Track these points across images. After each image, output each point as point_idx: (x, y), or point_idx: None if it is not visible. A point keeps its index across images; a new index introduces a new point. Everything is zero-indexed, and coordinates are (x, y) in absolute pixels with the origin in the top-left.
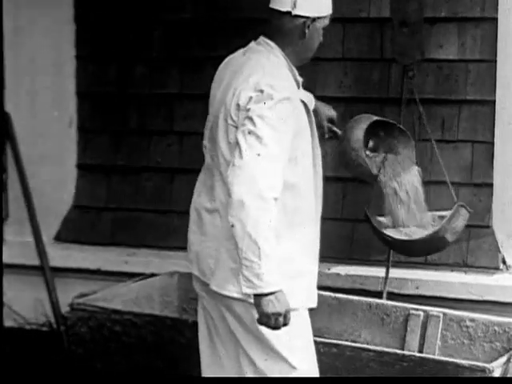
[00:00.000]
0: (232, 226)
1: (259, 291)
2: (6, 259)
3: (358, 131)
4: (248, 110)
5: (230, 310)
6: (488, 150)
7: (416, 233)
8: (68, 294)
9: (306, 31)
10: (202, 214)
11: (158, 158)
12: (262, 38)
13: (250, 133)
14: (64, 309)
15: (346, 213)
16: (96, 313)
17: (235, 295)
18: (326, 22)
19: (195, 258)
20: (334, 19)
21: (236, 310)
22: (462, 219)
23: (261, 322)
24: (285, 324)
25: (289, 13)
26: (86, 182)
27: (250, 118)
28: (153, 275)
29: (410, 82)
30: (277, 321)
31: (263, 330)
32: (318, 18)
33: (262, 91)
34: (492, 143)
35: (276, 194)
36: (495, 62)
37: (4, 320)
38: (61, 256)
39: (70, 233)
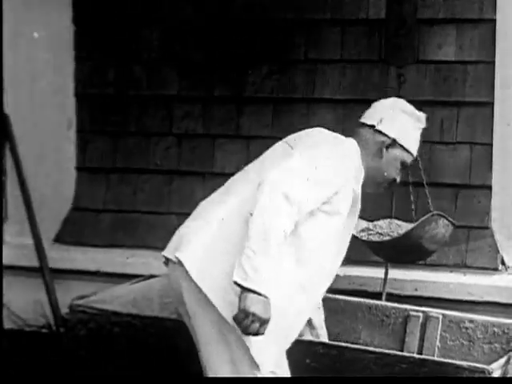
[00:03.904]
0: (251, 214)
1: (250, 286)
2: (5, 261)
3: None
4: (316, 142)
5: (190, 297)
6: (487, 152)
7: (390, 235)
8: (67, 295)
9: (384, 151)
10: (200, 207)
11: (157, 161)
12: (349, 138)
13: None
14: (64, 310)
15: None
16: (95, 315)
17: (191, 272)
18: (405, 158)
19: (175, 242)
20: (333, 20)
21: (199, 296)
22: (443, 229)
23: (236, 318)
24: (256, 333)
25: (373, 126)
26: (86, 184)
27: (315, 148)
28: (152, 276)
29: (402, 86)
30: (253, 323)
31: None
32: (398, 144)
33: (336, 138)
34: (490, 144)
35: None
36: (494, 63)
37: (3, 322)
38: (60, 257)
39: (69, 234)
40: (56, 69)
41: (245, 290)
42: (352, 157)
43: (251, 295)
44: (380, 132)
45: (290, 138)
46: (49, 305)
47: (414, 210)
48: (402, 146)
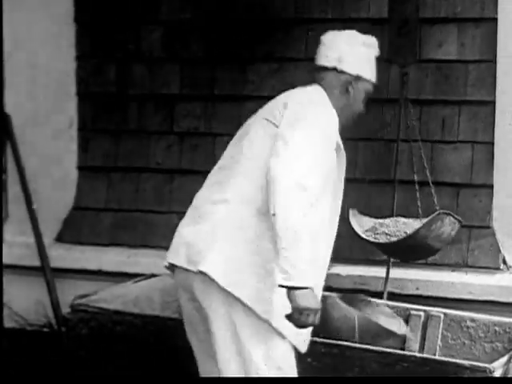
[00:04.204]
0: (273, 214)
1: (294, 283)
2: (6, 260)
3: None
4: (298, 111)
5: (216, 311)
6: (488, 151)
7: (397, 235)
8: (69, 294)
9: (349, 88)
10: (200, 208)
11: (158, 160)
12: (313, 86)
13: (297, 128)
14: (65, 310)
15: (346, 212)
16: (97, 314)
17: (221, 283)
18: (369, 87)
19: (183, 249)
20: (334, 19)
21: (230, 313)
22: (449, 227)
23: (290, 317)
24: (312, 324)
25: (334, 69)
26: (87, 183)
27: (302, 119)
28: (153, 276)
29: (405, 86)
30: (308, 317)
31: (247, 347)
32: (362, 78)
33: (313, 101)
34: (492, 143)
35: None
36: (495, 62)
37: (5, 321)
38: (61, 257)
39: (70, 233)
40: (57, 67)
41: (292, 289)
42: (329, 113)
43: (299, 292)
44: (342, 71)
45: (267, 112)
46: (50, 304)
47: (420, 207)
48: (365, 79)
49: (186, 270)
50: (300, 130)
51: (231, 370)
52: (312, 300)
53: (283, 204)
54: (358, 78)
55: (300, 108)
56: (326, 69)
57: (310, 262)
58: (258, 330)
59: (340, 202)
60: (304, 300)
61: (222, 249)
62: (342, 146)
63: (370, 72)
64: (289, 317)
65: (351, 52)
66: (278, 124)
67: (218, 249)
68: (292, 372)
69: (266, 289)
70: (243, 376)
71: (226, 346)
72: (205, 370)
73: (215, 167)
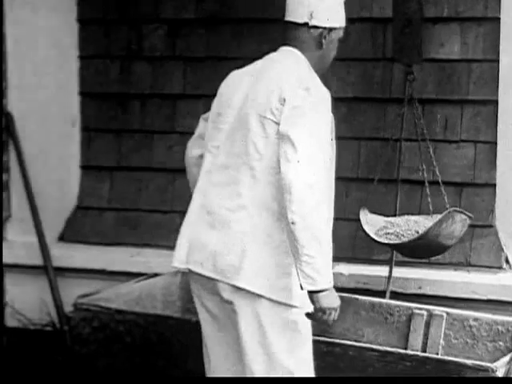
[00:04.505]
0: (292, 222)
1: (319, 287)
2: (9, 259)
3: None
4: (297, 106)
5: (244, 309)
6: (491, 150)
7: (408, 235)
8: (71, 294)
9: (323, 41)
10: (215, 213)
11: (160, 159)
12: (284, 48)
13: (303, 127)
14: (67, 309)
15: (348, 212)
16: (99, 313)
17: (263, 293)
18: (341, 33)
19: (208, 258)
20: None
21: (257, 311)
22: (460, 224)
23: (314, 316)
24: (333, 320)
25: (306, 24)
26: (90, 182)
27: (303, 115)
28: (156, 275)
29: (411, 84)
30: (330, 315)
31: (273, 343)
32: (334, 28)
33: (308, 89)
34: (495, 143)
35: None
36: (498, 61)
37: (8, 320)
38: (64, 256)
39: (73, 233)
40: (60, 67)
41: (313, 291)
42: (324, 94)
43: (322, 294)
44: (314, 26)
45: (262, 108)
46: (53, 303)
47: (431, 203)
48: (337, 28)
49: (205, 276)
50: (304, 128)
51: (257, 363)
52: (334, 299)
53: (302, 213)
54: (330, 30)
55: (297, 102)
56: (296, 25)
57: (331, 263)
58: (283, 324)
59: (332, 191)
60: (327, 300)
61: (253, 259)
62: (333, 121)
63: (341, 20)
64: (311, 316)
65: (322, 5)
66: (277, 121)
67: (249, 260)
68: (311, 368)
69: (291, 281)
70: (244, 376)
71: (252, 340)
72: (218, 371)
73: (213, 164)
